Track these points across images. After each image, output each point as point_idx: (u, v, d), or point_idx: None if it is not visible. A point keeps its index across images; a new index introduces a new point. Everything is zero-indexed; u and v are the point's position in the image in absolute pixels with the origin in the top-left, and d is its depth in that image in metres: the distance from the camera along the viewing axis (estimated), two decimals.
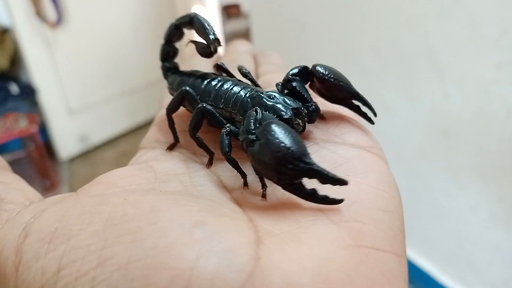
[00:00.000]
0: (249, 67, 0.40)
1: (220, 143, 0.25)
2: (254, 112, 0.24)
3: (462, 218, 1.16)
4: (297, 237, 0.18)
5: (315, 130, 0.27)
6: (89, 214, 0.19)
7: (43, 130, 2.40)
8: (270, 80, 0.36)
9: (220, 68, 0.33)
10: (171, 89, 0.33)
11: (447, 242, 1.25)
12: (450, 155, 1.11)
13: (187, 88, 0.29)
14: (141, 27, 2.67)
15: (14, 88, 2.14)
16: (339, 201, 0.20)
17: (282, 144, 0.20)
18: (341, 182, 0.20)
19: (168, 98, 0.32)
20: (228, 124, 0.26)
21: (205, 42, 0.30)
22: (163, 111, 0.32)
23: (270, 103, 0.26)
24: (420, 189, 1.24)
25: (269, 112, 0.25)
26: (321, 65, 0.27)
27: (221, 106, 0.28)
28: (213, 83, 0.30)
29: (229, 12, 4.45)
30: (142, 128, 2.81)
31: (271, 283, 0.16)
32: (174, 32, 0.33)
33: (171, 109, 0.30)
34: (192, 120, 0.28)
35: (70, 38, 2.33)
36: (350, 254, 0.18)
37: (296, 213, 0.20)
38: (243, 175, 0.25)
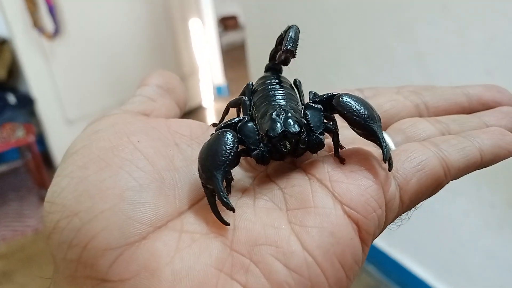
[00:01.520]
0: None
1: None
2: (239, 119, 0.26)
3: (455, 224, 1.17)
4: (196, 242, 0.22)
5: (320, 164, 0.26)
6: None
7: (41, 140, 2.40)
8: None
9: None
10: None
11: (441, 248, 1.25)
12: None
13: (245, 99, 0.31)
14: (138, 38, 2.69)
15: (11, 99, 2.15)
16: (226, 224, 0.22)
17: (208, 151, 0.23)
18: (228, 207, 0.22)
19: None
20: (245, 117, 0.28)
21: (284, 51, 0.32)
22: None
23: (273, 117, 0.26)
24: None
25: (265, 124, 0.26)
26: (345, 97, 0.26)
27: (256, 104, 0.30)
28: (269, 86, 0.31)
29: (226, 24, 4.50)
30: None
31: (137, 258, 0.21)
32: (280, 39, 0.35)
33: (231, 103, 0.33)
34: (233, 100, 0.32)
35: (67, 49, 2.34)
36: (217, 274, 0.20)
37: (215, 226, 0.23)
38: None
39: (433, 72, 1.05)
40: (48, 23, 2.22)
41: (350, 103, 0.25)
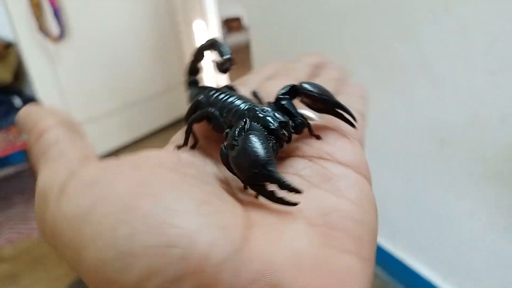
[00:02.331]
0: (301, 77, 0.43)
1: (222, 159, 0.27)
2: (243, 122, 0.28)
3: (460, 225, 1.17)
4: (280, 229, 0.22)
5: (308, 148, 0.30)
6: (124, 173, 0.23)
7: None
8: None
9: (254, 95, 0.37)
10: (190, 100, 0.38)
11: (446, 249, 1.25)
12: (446, 162, 1.12)
13: (200, 98, 0.33)
14: (143, 40, 2.70)
15: (17, 101, 2.16)
16: (294, 204, 0.23)
17: (252, 152, 0.24)
18: (295, 190, 0.24)
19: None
20: (228, 129, 0.29)
21: (220, 60, 0.35)
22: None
23: (262, 115, 0.29)
24: (417, 197, 1.25)
25: (260, 123, 0.28)
26: (307, 83, 0.31)
27: (224, 115, 0.32)
28: (221, 96, 0.34)
29: (230, 25, 4.50)
30: (144, 140, 2.83)
31: (254, 259, 0.20)
32: (199, 53, 0.38)
33: (188, 117, 0.33)
34: (197, 115, 0.32)
35: (73, 52, 2.36)
36: (320, 250, 0.21)
37: (281, 213, 0.24)
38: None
39: (437, 74, 1.05)
40: (53, 27, 2.24)
41: (315, 85, 0.31)
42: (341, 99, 0.35)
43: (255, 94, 0.36)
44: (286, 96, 0.31)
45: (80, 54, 2.40)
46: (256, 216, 0.24)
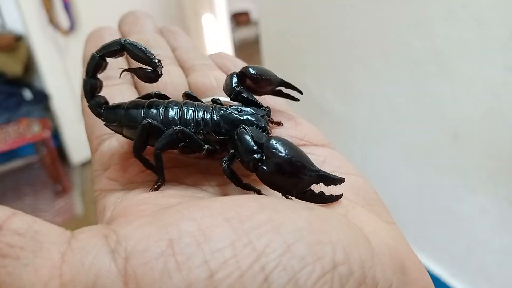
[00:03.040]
0: (164, 51, 0.40)
1: (230, 177, 0.26)
2: (244, 130, 0.25)
3: (472, 222, 1.16)
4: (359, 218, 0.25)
5: (283, 136, 0.28)
6: (196, 220, 0.18)
7: (56, 135, 2.43)
8: (219, 77, 0.37)
9: (188, 96, 0.33)
10: (116, 126, 0.31)
11: (457, 246, 1.24)
12: (459, 158, 1.11)
13: (150, 121, 0.28)
14: None
15: (27, 94, 2.17)
16: (340, 196, 0.25)
17: (294, 159, 0.23)
18: (341, 181, 0.25)
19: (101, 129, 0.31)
20: (206, 146, 0.27)
21: (145, 67, 0.29)
22: (110, 143, 0.31)
23: (244, 117, 0.28)
24: (430, 193, 1.24)
25: (249, 126, 0.27)
26: (250, 66, 0.30)
27: (192, 131, 0.28)
28: (172, 110, 0.29)
29: (239, 20, 4.49)
30: None
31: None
32: (100, 63, 0.30)
33: (140, 147, 0.28)
34: (165, 141, 0.27)
35: (82, 44, 2.35)
36: (384, 227, 0.24)
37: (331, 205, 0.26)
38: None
39: (452, 69, 1.04)
40: (63, 19, 2.24)
41: (259, 68, 0.30)
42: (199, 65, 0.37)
43: (187, 94, 0.32)
44: (242, 88, 0.30)
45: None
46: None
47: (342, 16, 1.31)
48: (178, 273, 0.16)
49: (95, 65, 0.29)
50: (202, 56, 0.41)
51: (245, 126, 0.26)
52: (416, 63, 1.13)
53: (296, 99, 0.33)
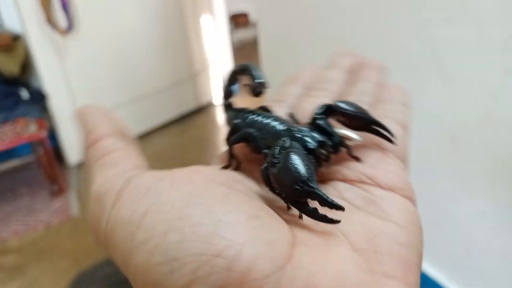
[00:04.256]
0: (338, 89, 0.39)
1: (263, 178, 0.27)
2: (282, 141, 0.28)
3: (470, 225, 1.16)
4: (324, 251, 0.22)
5: (349, 171, 0.28)
6: (177, 183, 0.24)
7: (53, 135, 2.42)
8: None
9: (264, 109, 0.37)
10: (228, 123, 0.38)
11: (454, 248, 1.24)
12: (457, 161, 1.11)
13: (237, 122, 0.33)
14: (151, 34, 2.70)
15: (24, 94, 2.17)
16: (336, 221, 0.23)
17: (294, 168, 0.24)
18: (337, 207, 0.23)
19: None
20: (266, 150, 0.30)
21: (254, 84, 0.34)
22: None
23: (299, 135, 0.29)
24: (427, 195, 1.24)
25: (298, 143, 0.28)
26: (341, 102, 0.31)
27: (262, 137, 0.31)
28: (258, 118, 0.33)
29: (237, 21, 4.49)
30: (151, 134, 2.83)
31: (296, 277, 0.20)
32: (232, 77, 0.37)
33: (233, 140, 0.32)
34: (236, 137, 0.32)
35: (80, 45, 2.36)
36: (365, 275, 0.21)
37: (325, 235, 0.24)
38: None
39: (450, 72, 1.04)
40: (61, 19, 2.24)
41: (350, 104, 0.30)
42: (381, 109, 0.35)
43: (291, 115, 0.36)
44: (322, 116, 0.31)
45: (88, 47, 2.40)
46: (300, 235, 0.23)
47: (341, 18, 1.31)
48: (135, 204, 0.23)
49: (230, 76, 0.37)
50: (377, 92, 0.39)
51: (287, 139, 0.28)
52: (414, 66, 1.13)
53: (391, 141, 0.31)
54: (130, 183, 0.25)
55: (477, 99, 1.00)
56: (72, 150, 2.50)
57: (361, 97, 0.36)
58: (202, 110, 3.08)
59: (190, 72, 2.99)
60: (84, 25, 2.34)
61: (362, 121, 0.30)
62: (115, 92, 2.60)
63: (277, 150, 0.27)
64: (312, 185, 0.24)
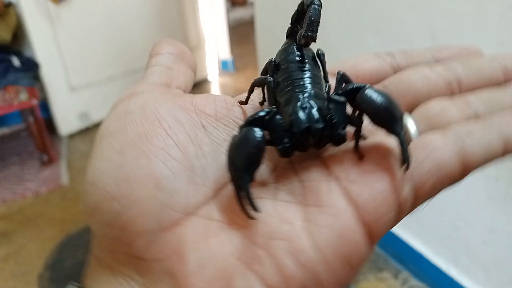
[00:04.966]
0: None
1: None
2: (267, 112, 0.26)
3: (458, 199, 1.16)
4: (216, 233, 0.24)
5: (336, 165, 0.26)
6: (145, 118, 0.26)
7: (45, 106, 2.40)
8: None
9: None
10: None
11: (441, 223, 1.25)
12: None
13: (273, 59, 0.31)
14: (145, 6, 2.66)
15: (15, 61, 2.13)
16: (251, 218, 0.23)
17: (230, 155, 0.24)
18: (254, 207, 0.23)
19: None
20: (274, 106, 0.28)
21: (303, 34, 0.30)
22: None
23: (297, 109, 0.26)
24: None
25: (288, 116, 0.26)
26: (369, 92, 0.25)
27: (278, 89, 0.29)
28: (290, 66, 0.30)
29: (235, 0, 4.45)
30: None
31: (169, 243, 0.23)
32: (298, 12, 0.33)
33: (255, 82, 0.31)
34: (258, 80, 0.30)
35: (74, 14, 2.32)
36: (236, 267, 0.22)
37: (236, 215, 0.24)
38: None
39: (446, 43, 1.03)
40: None
41: (373, 101, 0.25)
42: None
43: (343, 75, 0.30)
44: (341, 99, 0.26)
45: (81, 16, 2.36)
46: (212, 208, 0.24)
47: None
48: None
49: (298, 14, 0.33)
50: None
51: (269, 112, 0.26)
52: (410, 39, 1.12)
53: (400, 166, 0.25)
54: (128, 98, 0.27)
55: None
56: (64, 121, 2.48)
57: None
58: (197, 85, 3.06)
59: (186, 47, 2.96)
60: None
61: (384, 128, 0.25)
62: (108, 64, 2.57)
63: (245, 121, 0.25)
64: (244, 176, 0.23)
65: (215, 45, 3.22)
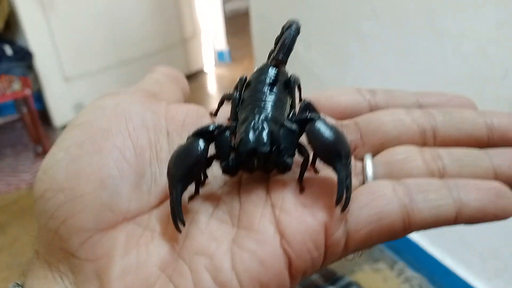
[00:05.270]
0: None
1: None
2: (215, 126, 0.25)
3: None
4: (145, 242, 0.24)
5: (277, 192, 0.25)
6: (108, 120, 0.27)
7: (38, 98, 2.38)
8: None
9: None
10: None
11: None
12: None
13: (244, 77, 0.31)
14: None
15: (8, 51, 2.11)
16: (178, 230, 0.23)
17: (172, 162, 0.24)
18: (176, 224, 0.23)
19: None
20: (233, 122, 0.28)
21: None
22: None
23: (247, 130, 0.25)
24: None
25: (239, 134, 0.26)
26: (318, 125, 0.25)
27: (241, 105, 0.29)
28: (259, 85, 0.30)
29: None
30: None
31: (100, 245, 0.24)
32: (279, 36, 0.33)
33: (224, 96, 0.31)
34: (227, 94, 0.31)
35: (68, 3, 2.30)
36: (158, 277, 0.23)
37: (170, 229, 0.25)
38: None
39: (442, 28, 1.02)
40: None
41: (319, 134, 0.24)
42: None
43: (308, 104, 0.29)
44: (293, 127, 0.26)
45: (75, 5, 2.34)
46: (156, 216, 0.25)
47: None
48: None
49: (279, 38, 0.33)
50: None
51: (223, 126, 0.26)
52: (406, 22, 1.10)
53: (336, 203, 0.24)
54: (103, 97, 0.29)
55: (467, 55, 0.98)
56: (58, 112, 2.46)
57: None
58: (193, 76, 3.04)
59: (181, 37, 2.93)
60: None
61: (325, 163, 0.25)
62: (103, 54, 2.55)
63: (193, 132, 0.26)
64: (176, 184, 0.24)
65: (212, 35, 3.20)
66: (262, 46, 1.78)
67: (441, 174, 0.26)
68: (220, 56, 3.29)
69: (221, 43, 3.28)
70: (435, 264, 1.27)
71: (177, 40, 2.91)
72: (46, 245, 0.24)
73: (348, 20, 1.28)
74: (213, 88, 3.03)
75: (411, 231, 0.24)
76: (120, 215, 0.24)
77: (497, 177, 0.26)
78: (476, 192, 0.24)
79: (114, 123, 0.26)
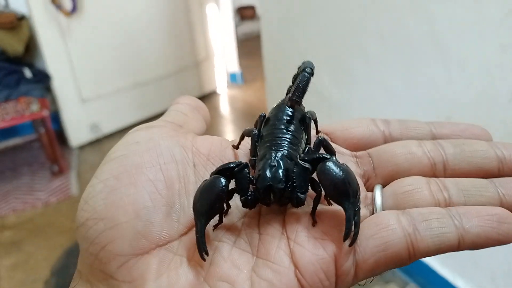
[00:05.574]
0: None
1: None
2: (236, 163, 0.28)
3: None
4: (174, 267, 0.27)
5: (291, 224, 0.28)
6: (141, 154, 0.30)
7: (56, 118, 2.43)
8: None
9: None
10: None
11: None
12: None
13: (266, 115, 0.34)
14: (155, 20, 2.70)
15: (27, 73, 2.18)
16: (202, 258, 0.26)
17: (197, 197, 0.27)
18: (201, 253, 0.26)
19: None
20: (253, 157, 0.31)
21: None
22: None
23: (265, 167, 0.28)
24: None
25: (257, 170, 0.28)
26: (328, 165, 0.26)
27: (260, 142, 0.32)
28: (277, 122, 0.32)
29: (244, 14, 4.49)
30: (153, 120, 2.83)
31: (136, 269, 0.26)
32: (295, 76, 0.35)
33: (245, 132, 0.34)
34: (248, 130, 0.33)
35: (85, 27, 2.36)
36: None
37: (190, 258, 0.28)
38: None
39: (447, 50, 1.03)
40: (66, 0, 2.25)
41: (329, 174, 0.26)
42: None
43: (322, 141, 0.31)
44: (306, 165, 0.28)
45: (92, 29, 2.40)
46: (181, 245, 0.27)
47: (340, 0, 1.31)
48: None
49: (295, 77, 0.36)
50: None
51: (244, 163, 0.28)
52: (411, 44, 1.12)
53: (347, 240, 0.26)
54: (138, 129, 0.32)
55: (473, 78, 0.99)
56: (74, 132, 2.51)
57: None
58: (206, 98, 3.09)
59: (194, 59, 2.99)
60: (89, 7, 2.35)
61: (334, 202, 0.27)
62: (118, 76, 2.61)
63: (216, 170, 0.28)
64: (200, 218, 0.26)
65: (224, 58, 3.25)
66: (273, 68, 1.81)
67: (447, 204, 0.28)
68: (232, 77, 3.34)
69: (234, 65, 3.33)
70: (446, 286, 1.26)
71: (191, 62, 2.97)
72: (88, 267, 0.27)
73: (355, 44, 1.31)
74: (226, 109, 3.07)
75: (416, 258, 0.26)
76: (153, 242, 0.26)
77: (502, 205, 0.27)
78: (478, 219, 0.26)
79: (147, 158, 0.29)
